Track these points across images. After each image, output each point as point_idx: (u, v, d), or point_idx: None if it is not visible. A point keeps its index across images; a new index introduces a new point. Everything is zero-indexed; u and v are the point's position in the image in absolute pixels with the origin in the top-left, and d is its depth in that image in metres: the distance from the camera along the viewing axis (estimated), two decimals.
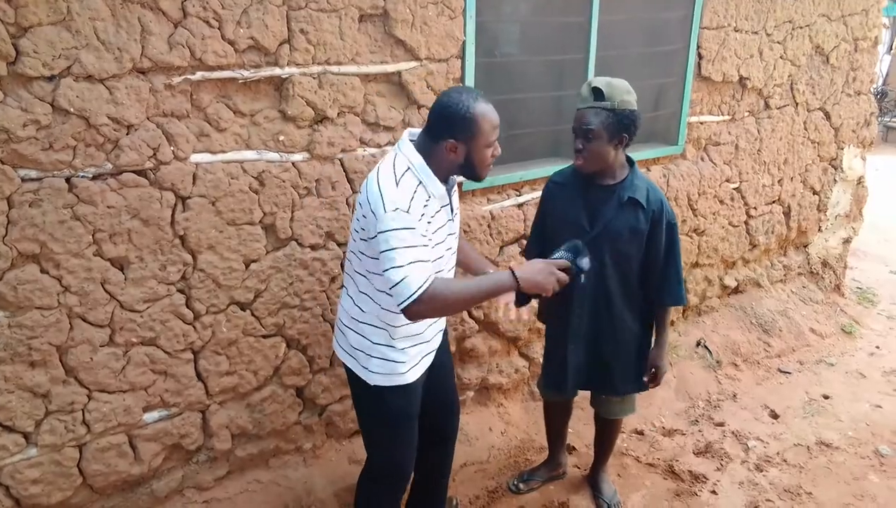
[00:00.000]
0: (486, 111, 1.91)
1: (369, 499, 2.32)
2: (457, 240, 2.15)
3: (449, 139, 1.90)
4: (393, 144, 2.71)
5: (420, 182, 1.91)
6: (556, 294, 2.02)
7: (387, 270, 1.84)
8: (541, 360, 2.91)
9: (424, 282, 1.82)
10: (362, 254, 1.99)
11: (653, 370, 2.59)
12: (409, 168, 1.91)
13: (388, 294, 1.94)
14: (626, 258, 2.43)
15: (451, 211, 2.06)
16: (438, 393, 2.36)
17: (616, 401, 2.73)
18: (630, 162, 2.43)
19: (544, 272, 1.96)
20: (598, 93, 2.26)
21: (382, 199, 1.84)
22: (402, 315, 1.88)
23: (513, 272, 1.94)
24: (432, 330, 2.18)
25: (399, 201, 1.83)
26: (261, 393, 2.69)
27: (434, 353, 2.24)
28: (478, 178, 2.01)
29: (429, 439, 2.39)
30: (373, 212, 1.85)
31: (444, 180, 1.99)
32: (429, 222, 1.92)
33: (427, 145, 1.94)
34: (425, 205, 1.91)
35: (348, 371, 2.18)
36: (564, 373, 2.62)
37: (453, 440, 2.53)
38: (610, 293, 2.47)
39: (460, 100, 1.89)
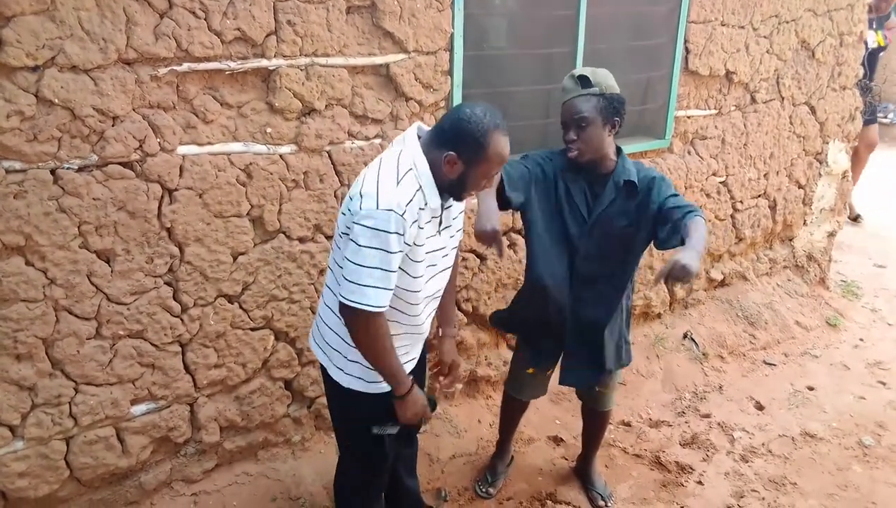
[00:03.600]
0: (501, 143, 1.82)
1: (345, 496, 2.31)
2: (446, 260, 2.05)
3: (451, 151, 1.80)
4: (382, 137, 2.71)
5: (419, 187, 1.81)
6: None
7: (353, 263, 1.76)
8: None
9: (379, 304, 1.78)
10: (338, 248, 1.91)
11: (681, 266, 2.02)
12: (411, 169, 1.81)
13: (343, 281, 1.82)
14: (623, 243, 2.40)
15: (440, 224, 1.95)
16: None
17: (604, 390, 2.73)
18: (618, 150, 2.41)
19: (418, 406, 1.98)
20: (584, 80, 2.25)
21: (377, 195, 1.73)
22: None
23: (410, 390, 1.95)
24: (414, 346, 2.12)
25: (394, 202, 1.73)
26: (249, 385, 2.69)
27: (413, 363, 2.17)
28: (458, 199, 1.94)
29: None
30: (360, 203, 1.74)
31: (441, 193, 1.87)
32: (420, 228, 1.84)
33: (430, 150, 1.84)
34: (420, 210, 1.82)
35: (322, 368, 2.11)
36: (550, 351, 2.62)
37: (416, 442, 2.53)
38: (596, 276, 2.46)
39: (480, 121, 1.79)
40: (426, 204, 1.83)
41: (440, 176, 1.84)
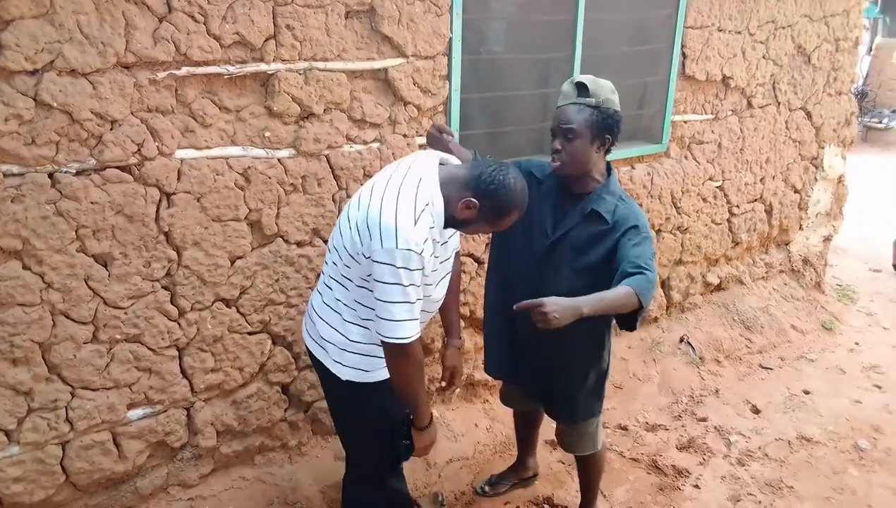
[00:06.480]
0: (514, 220, 1.95)
1: (358, 505, 2.29)
2: (447, 264, 2.09)
3: (475, 199, 1.86)
4: (380, 141, 2.71)
5: (433, 224, 1.86)
6: None
7: (385, 302, 1.82)
8: None
9: (415, 333, 1.86)
10: (347, 268, 1.92)
11: (540, 302, 1.89)
12: (428, 204, 1.84)
13: (372, 318, 1.91)
14: (582, 271, 2.20)
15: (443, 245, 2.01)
16: None
17: (572, 433, 2.52)
18: (608, 170, 2.25)
19: (434, 436, 2.07)
20: (581, 88, 2.11)
21: (396, 234, 1.76)
22: None
23: (431, 422, 2.04)
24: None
25: (414, 242, 1.77)
26: (246, 389, 2.68)
27: None
28: (447, 227, 1.97)
29: None
30: (380, 240, 1.77)
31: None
32: (435, 256, 1.91)
33: (453, 185, 1.89)
34: (434, 242, 1.89)
35: (316, 362, 2.10)
36: (506, 363, 2.54)
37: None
38: None
39: (516, 197, 1.90)
40: (437, 238, 1.91)
41: (448, 210, 1.89)
